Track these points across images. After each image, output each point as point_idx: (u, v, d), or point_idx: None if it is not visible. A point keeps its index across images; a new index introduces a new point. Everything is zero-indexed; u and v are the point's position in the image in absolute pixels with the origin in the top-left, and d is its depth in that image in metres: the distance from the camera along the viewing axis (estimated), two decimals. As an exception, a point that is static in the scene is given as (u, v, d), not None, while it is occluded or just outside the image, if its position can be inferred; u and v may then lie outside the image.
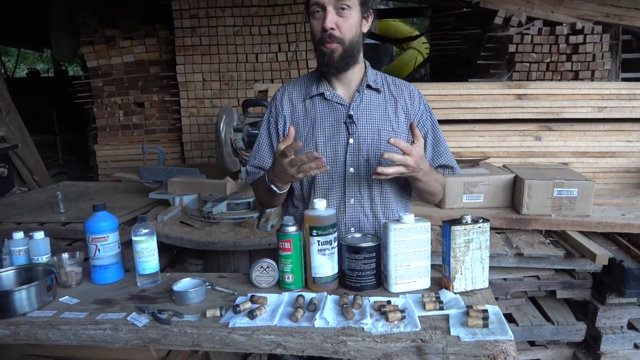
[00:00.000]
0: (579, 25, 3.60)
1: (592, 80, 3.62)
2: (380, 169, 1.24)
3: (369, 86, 1.43)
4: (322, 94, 1.43)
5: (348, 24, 1.32)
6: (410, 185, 1.44)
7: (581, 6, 3.74)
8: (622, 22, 3.73)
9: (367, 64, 1.46)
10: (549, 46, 3.64)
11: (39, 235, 1.52)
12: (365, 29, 1.39)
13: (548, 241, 2.34)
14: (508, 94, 2.99)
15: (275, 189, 1.35)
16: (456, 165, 1.49)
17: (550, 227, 2.36)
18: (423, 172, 1.32)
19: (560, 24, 3.68)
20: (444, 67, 6.20)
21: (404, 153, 1.23)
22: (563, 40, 3.63)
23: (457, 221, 1.28)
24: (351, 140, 1.39)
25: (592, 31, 3.60)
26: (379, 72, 1.49)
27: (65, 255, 1.49)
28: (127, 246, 1.54)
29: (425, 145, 1.42)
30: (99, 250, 1.44)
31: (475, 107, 2.97)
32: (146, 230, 1.42)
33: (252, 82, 4.42)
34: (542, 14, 3.77)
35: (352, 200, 1.42)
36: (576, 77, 3.65)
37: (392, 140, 1.23)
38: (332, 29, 1.30)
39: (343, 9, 1.30)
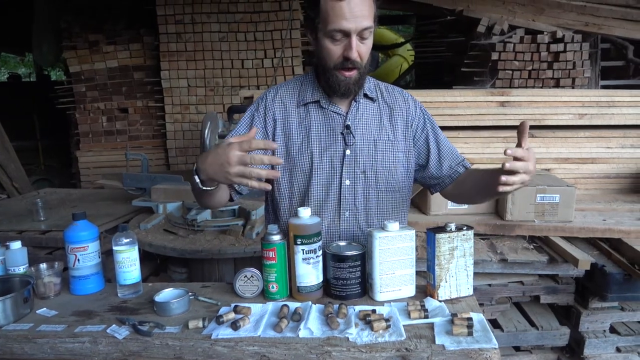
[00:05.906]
0: (559, 34, 3.68)
1: (572, 87, 3.69)
2: (505, 178, 1.07)
3: (365, 95, 1.37)
4: (317, 102, 1.36)
5: (366, 48, 1.26)
6: (486, 197, 1.32)
7: (561, 15, 3.83)
8: (600, 31, 3.82)
9: None
10: (530, 54, 3.71)
11: (16, 245, 1.47)
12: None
13: (532, 247, 2.36)
14: (491, 101, 3.03)
15: (198, 182, 1.20)
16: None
17: (534, 233, 2.39)
18: None
19: (542, 32, 3.76)
20: (428, 74, 6.27)
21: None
22: (544, 48, 3.70)
23: (442, 229, 1.29)
24: (348, 152, 1.33)
25: (572, 40, 3.68)
26: (371, 78, 1.41)
27: (43, 266, 1.45)
28: (108, 255, 1.51)
29: (429, 151, 1.39)
30: (78, 260, 1.40)
31: (459, 114, 3.00)
32: (127, 240, 1.39)
33: (238, 88, 4.41)
34: (524, 23, 3.85)
35: (347, 214, 1.37)
36: (557, 85, 3.72)
37: (508, 151, 1.07)
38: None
39: (365, 37, 1.24)
